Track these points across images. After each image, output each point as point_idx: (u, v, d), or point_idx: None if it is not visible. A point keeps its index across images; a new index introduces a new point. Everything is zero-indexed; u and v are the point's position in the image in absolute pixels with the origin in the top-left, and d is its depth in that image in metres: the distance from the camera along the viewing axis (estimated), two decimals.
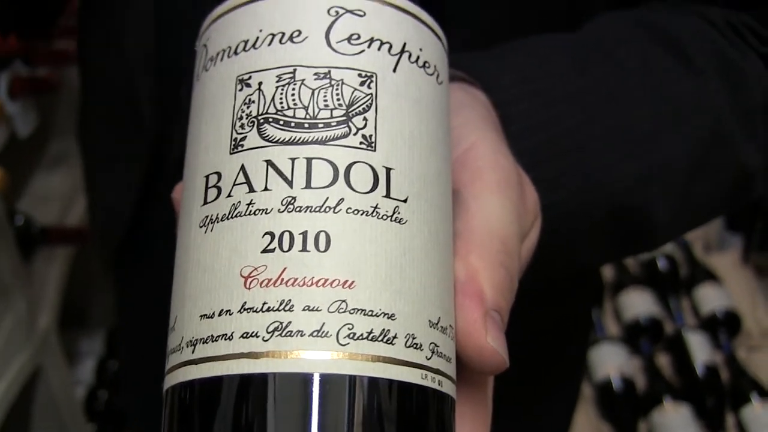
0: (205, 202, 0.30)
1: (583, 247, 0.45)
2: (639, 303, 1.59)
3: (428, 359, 0.28)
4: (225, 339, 0.27)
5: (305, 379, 0.26)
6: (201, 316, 0.28)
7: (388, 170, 0.29)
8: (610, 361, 1.49)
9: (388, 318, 0.27)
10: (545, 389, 0.73)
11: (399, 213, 0.29)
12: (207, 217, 0.29)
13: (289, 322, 0.27)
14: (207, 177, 0.30)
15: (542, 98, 0.42)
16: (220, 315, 0.27)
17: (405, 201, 0.29)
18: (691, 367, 1.49)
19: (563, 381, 0.77)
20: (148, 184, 0.63)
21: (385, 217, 0.29)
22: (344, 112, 0.29)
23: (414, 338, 0.28)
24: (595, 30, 0.48)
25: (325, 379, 0.26)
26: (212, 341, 0.27)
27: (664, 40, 0.48)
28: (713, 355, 1.51)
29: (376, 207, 0.28)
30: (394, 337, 0.27)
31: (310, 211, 0.28)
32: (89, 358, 1.57)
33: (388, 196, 0.29)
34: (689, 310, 1.64)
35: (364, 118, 0.29)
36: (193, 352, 0.28)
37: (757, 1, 0.51)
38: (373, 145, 0.29)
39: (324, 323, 0.27)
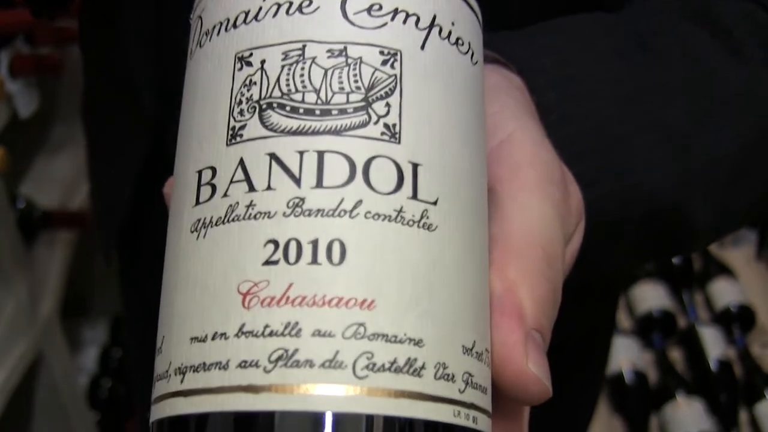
0: (198, 203, 0.26)
1: (620, 248, 0.43)
2: (652, 296, 1.61)
3: (461, 392, 0.25)
4: (219, 368, 0.24)
5: (315, 419, 0.23)
6: (191, 338, 0.25)
7: (415, 166, 0.26)
8: (623, 355, 1.51)
9: (415, 344, 0.24)
10: (568, 388, 0.73)
11: (428, 218, 0.26)
12: (199, 220, 0.26)
13: (296, 350, 0.23)
14: (200, 173, 0.27)
15: (582, 85, 0.40)
16: (213, 339, 0.24)
17: (435, 203, 0.26)
18: (704, 362, 1.51)
19: (587, 380, 0.77)
20: (149, 169, 0.63)
21: (411, 223, 0.25)
22: (363, 96, 0.26)
23: (445, 368, 0.25)
24: (636, 14, 0.47)
25: (339, 419, 0.23)
26: (204, 370, 0.24)
27: (710, 25, 0.46)
28: (726, 349, 1.53)
29: (400, 211, 0.25)
30: (422, 368, 0.24)
31: (322, 216, 0.25)
32: (92, 347, 1.61)
33: (414, 197, 0.26)
34: (703, 304, 1.66)
35: (387, 104, 0.26)
36: (182, 382, 0.25)
37: None
38: (396, 136, 0.26)
39: (338, 351, 0.24)
